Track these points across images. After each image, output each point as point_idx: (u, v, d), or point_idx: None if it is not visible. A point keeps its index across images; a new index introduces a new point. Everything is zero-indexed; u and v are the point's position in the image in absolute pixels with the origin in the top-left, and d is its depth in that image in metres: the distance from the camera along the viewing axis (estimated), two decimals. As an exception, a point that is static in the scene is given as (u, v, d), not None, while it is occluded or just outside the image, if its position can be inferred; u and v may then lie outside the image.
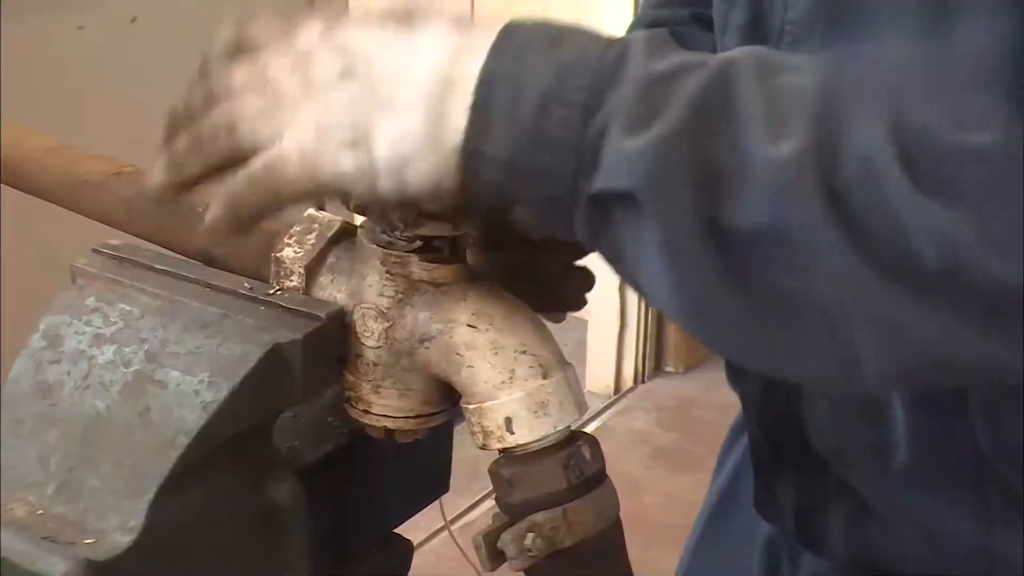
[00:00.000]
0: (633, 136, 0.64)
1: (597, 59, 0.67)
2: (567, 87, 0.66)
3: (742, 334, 0.68)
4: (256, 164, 0.72)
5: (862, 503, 0.94)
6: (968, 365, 0.67)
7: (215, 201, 0.74)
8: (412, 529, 0.92)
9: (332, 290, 0.81)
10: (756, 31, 0.87)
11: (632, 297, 3.31)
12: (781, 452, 0.99)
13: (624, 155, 0.65)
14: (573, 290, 0.94)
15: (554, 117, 0.66)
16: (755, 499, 1.04)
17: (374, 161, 0.70)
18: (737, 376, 1.01)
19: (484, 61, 0.68)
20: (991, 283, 0.62)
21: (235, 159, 0.73)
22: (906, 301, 0.63)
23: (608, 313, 3.36)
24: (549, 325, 0.81)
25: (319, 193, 0.73)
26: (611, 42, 0.69)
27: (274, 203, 0.73)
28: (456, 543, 0.98)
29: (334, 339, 0.79)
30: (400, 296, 0.78)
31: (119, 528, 0.71)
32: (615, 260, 0.69)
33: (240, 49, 0.74)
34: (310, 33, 0.72)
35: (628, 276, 0.70)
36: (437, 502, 0.97)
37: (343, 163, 0.70)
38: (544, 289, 0.90)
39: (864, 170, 0.61)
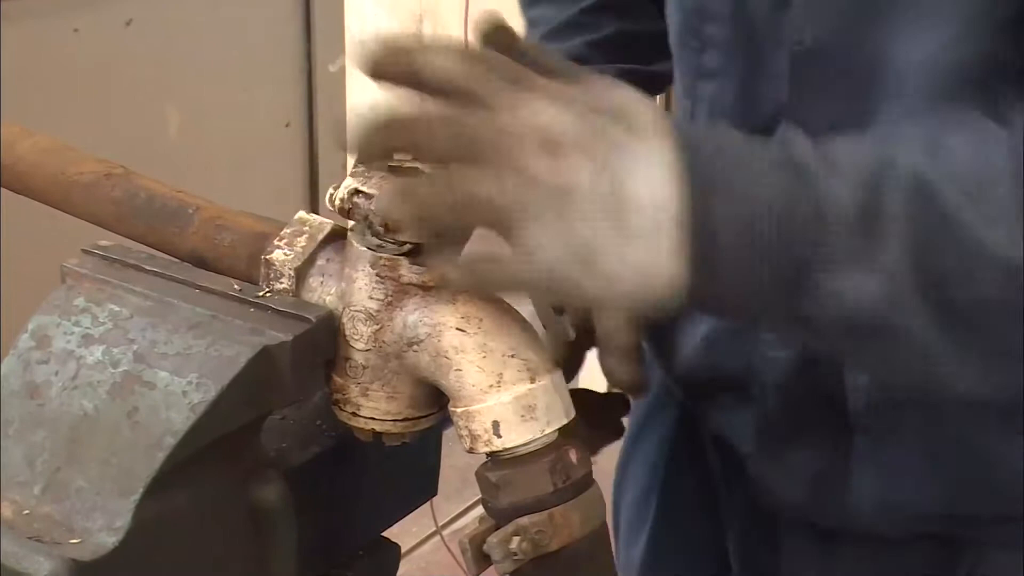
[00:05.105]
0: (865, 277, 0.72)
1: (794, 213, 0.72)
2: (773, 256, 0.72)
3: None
4: (509, 266, 0.73)
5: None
6: None
7: (459, 269, 0.75)
8: (403, 535, 0.92)
9: (322, 292, 0.81)
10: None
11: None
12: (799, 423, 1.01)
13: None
14: (614, 417, 0.95)
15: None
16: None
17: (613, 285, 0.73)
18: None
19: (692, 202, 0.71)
20: None
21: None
22: None
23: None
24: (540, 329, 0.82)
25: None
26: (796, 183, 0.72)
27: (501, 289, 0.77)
28: (447, 548, 0.99)
29: (323, 342, 0.79)
30: (389, 299, 0.78)
31: (105, 528, 0.71)
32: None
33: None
34: (564, 117, 0.71)
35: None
36: (428, 507, 0.97)
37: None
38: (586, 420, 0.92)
39: None
